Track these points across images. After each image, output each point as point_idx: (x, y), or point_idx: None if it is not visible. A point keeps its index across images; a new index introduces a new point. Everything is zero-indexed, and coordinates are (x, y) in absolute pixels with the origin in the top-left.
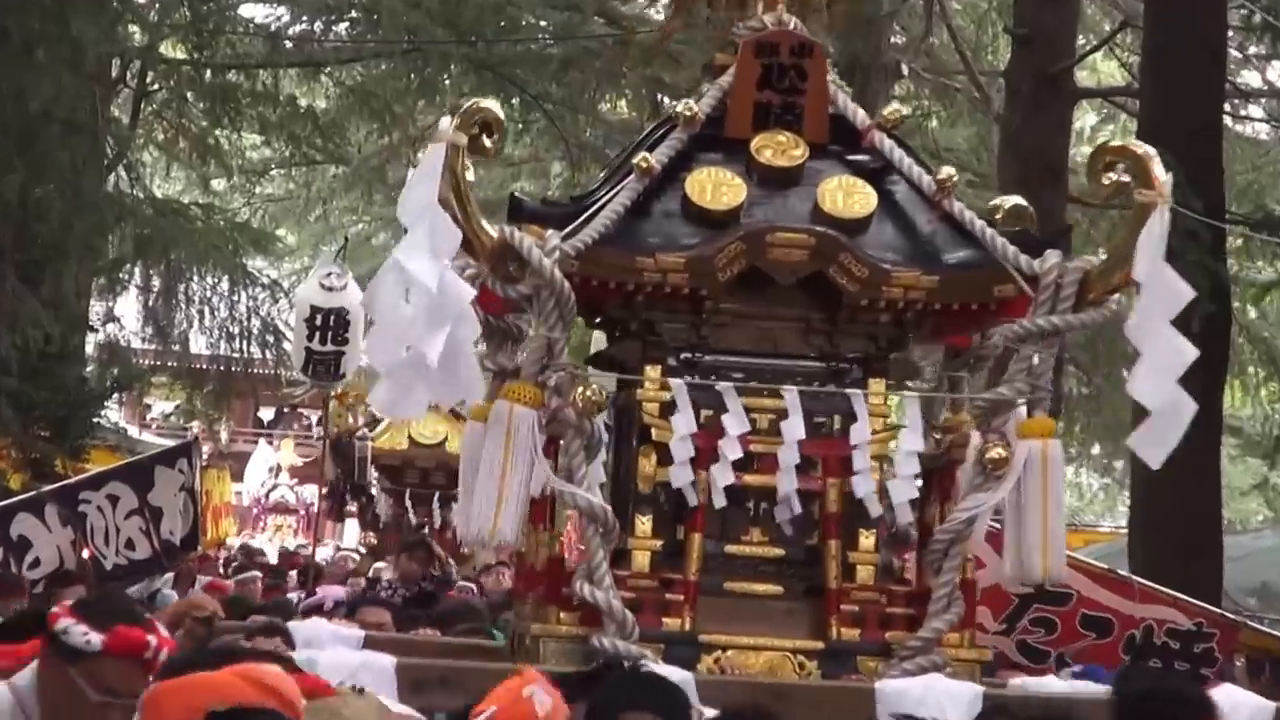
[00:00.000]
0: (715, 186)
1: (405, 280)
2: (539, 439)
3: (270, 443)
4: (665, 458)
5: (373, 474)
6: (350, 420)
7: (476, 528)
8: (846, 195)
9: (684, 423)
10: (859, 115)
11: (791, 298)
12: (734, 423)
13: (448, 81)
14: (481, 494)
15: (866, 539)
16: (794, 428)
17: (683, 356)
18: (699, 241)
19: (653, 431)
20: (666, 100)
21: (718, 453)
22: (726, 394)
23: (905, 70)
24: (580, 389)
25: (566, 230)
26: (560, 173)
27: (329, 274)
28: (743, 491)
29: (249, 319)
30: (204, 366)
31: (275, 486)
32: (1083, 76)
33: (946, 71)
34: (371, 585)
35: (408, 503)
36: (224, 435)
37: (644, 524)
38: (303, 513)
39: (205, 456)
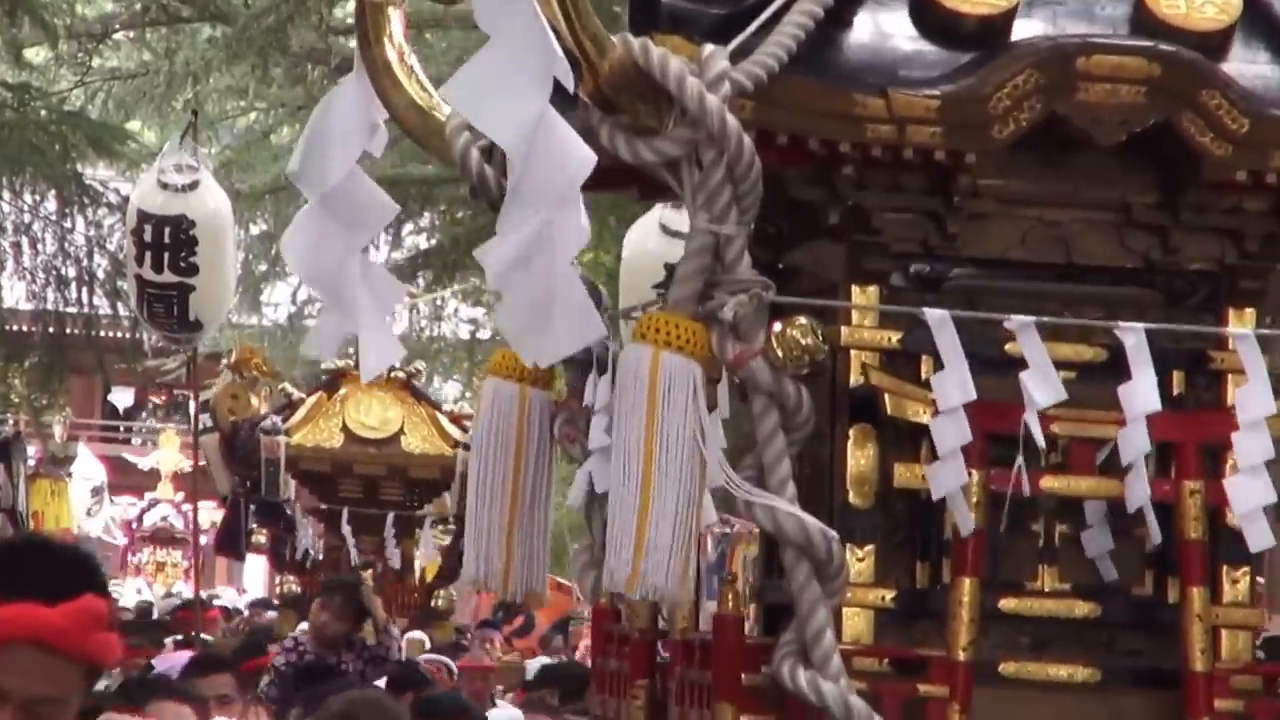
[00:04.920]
0: None
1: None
2: (703, 411)
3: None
4: (895, 445)
5: (290, 486)
6: (252, 401)
7: (615, 567)
8: None
9: (956, 386)
10: None
11: (1100, 169)
12: (1040, 385)
13: None
14: (617, 512)
15: (1237, 584)
16: (1143, 393)
17: (914, 270)
18: (954, 71)
19: (885, 401)
20: None
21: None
22: (1024, 335)
23: None
24: (780, 326)
25: (731, 46)
26: None
27: (172, 165)
28: (1026, 507)
29: (90, 256)
30: (24, 328)
31: (154, 505)
32: None
33: None
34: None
35: (345, 530)
36: (59, 430)
37: (861, 562)
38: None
39: (32, 462)
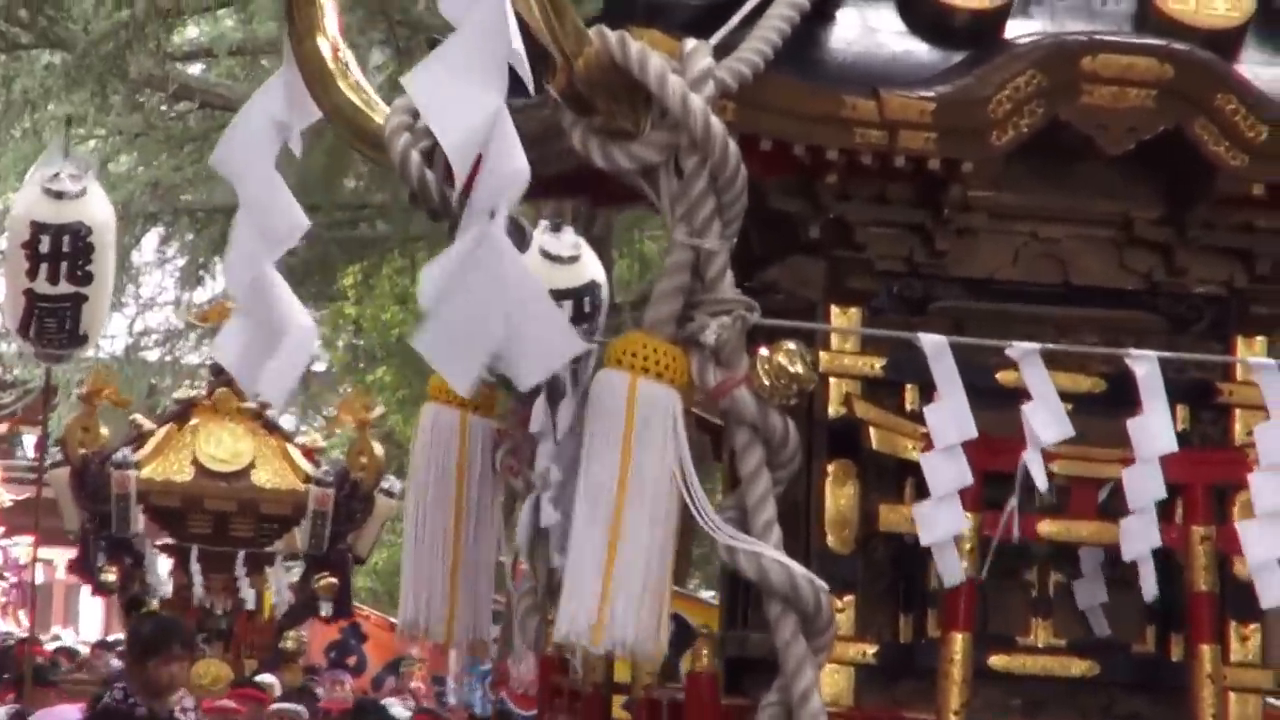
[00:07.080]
0: None
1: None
2: (683, 445)
3: None
4: (877, 483)
5: (140, 521)
6: (102, 434)
7: (575, 615)
8: None
9: (954, 421)
10: None
11: (1099, 181)
12: (1045, 419)
13: None
14: (579, 553)
15: (1247, 641)
16: (1157, 428)
17: (898, 290)
18: (948, 71)
19: (871, 434)
20: None
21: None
22: (1027, 364)
23: None
24: (766, 353)
25: (714, 40)
26: (380, 63)
27: (57, 174)
28: (1017, 554)
29: None
30: None
31: None
32: None
33: None
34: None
35: (194, 568)
36: None
37: (841, 613)
38: (14, 579)
39: None
